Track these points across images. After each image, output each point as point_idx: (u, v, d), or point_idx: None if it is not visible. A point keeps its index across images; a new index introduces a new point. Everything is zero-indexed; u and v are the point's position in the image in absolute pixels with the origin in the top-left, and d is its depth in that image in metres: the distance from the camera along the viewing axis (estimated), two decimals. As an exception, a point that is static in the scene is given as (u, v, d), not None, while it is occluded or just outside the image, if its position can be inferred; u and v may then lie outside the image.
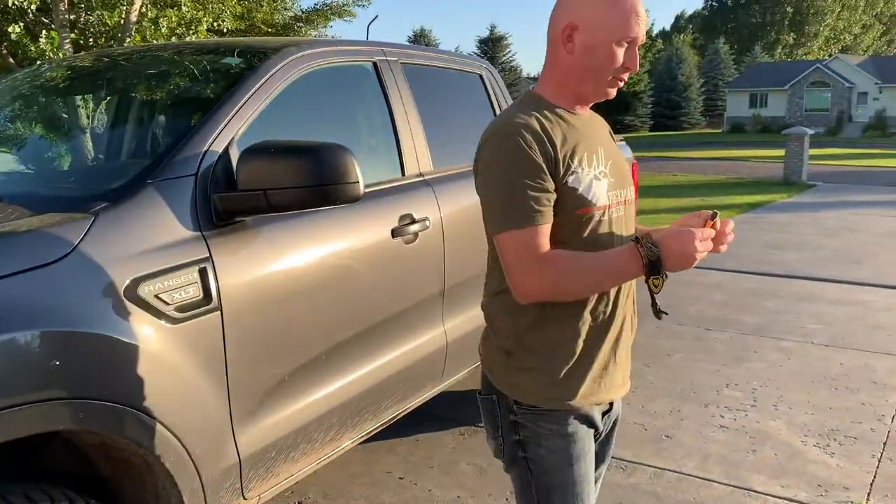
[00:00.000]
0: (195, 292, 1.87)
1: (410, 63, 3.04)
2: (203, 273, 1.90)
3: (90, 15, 12.29)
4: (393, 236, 2.59)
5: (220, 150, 2.06)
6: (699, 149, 34.17)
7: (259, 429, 2.09)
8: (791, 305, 6.36)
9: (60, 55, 11.51)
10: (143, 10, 12.68)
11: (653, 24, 60.88)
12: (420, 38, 55.83)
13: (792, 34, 73.00)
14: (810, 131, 18.01)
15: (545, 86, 1.68)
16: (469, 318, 3.02)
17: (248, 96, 2.21)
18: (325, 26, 18.41)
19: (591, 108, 1.77)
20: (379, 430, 2.69)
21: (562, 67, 1.64)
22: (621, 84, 1.67)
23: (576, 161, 1.59)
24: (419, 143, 2.89)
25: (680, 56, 58.70)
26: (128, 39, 12.31)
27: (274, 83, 2.31)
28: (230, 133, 2.11)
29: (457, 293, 2.96)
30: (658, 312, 1.66)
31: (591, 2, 1.58)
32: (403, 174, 2.81)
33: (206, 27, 13.27)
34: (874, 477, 3.37)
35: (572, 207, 1.57)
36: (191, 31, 12.92)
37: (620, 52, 1.59)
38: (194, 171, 1.97)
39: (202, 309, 1.89)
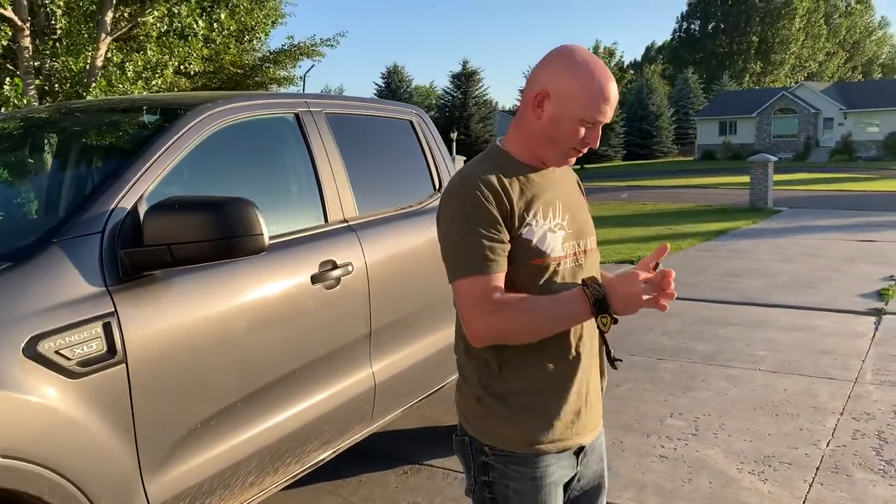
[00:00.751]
0: (98, 346, 1.93)
1: (335, 113, 3.14)
2: (107, 327, 1.96)
3: (55, 61, 12.36)
4: (313, 282, 2.66)
5: (129, 207, 2.13)
6: (670, 177, 34.68)
7: (171, 477, 2.13)
8: (743, 333, 6.48)
9: (25, 101, 11.57)
10: (109, 55, 12.79)
11: (622, 56, 61.90)
12: (393, 75, 56.45)
13: (759, 62, 74.61)
14: (773, 158, 18.40)
15: (511, 141, 1.76)
16: (399, 360, 3.09)
17: (159, 153, 2.29)
18: (294, 66, 18.65)
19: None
20: (307, 472, 2.74)
21: (528, 129, 1.72)
22: (580, 154, 1.76)
23: (531, 214, 1.68)
24: (343, 190, 2.98)
25: (650, 86, 59.73)
26: (93, 84, 12.39)
27: (188, 139, 2.40)
28: (140, 190, 2.19)
29: (385, 335, 3.03)
30: (612, 360, 1.75)
31: (568, 77, 1.65)
32: (326, 221, 2.89)
33: (171, 70, 13.39)
34: (804, 502, 3.45)
35: (527, 258, 1.66)
36: (157, 75, 13.04)
37: (583, 130, 1.68)
38: (101, 228, 2.04)
39: (106, 363, 1.94)
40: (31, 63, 12.21)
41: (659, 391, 5.02)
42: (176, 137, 2.36)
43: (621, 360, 1.78)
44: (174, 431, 2.14)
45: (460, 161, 26.02)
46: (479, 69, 57.27)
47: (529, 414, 1.72)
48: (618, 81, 49.96)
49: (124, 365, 1.99)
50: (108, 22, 12.53)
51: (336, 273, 2.76)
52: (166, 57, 13.08)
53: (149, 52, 12.93)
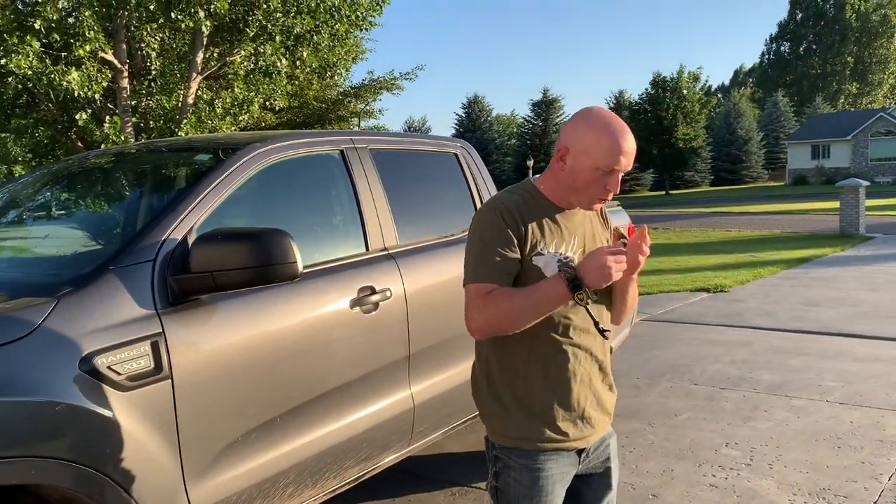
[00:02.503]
0: (146, 363, 2.15)
1: (379, 148, 3.34)
2: (155, 346, 2.18)
3: (150, 100, 13.19)
4: (351, 307, 2.84)
5: (180, 238, 2.36)
6: (759, 203, 33.64)
7: (213, 484, 2.32)
8: (814, 363, 6.30)
9: (122, 138, 12.39)
10: (199, 93, 13.54)
11: (708, 80, 60.74)
12: (473, 105, 57.09)
13: (854, 83, 71.72)
14: (865, 182, 17.67)
15: (544, 181, 1.99)
16: (439, 382, 3.22)
17: (210, 188, 2.52)
18: (375, 100, 19.24)
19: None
20: (345, 488, 2.89)
21: (556, 177, 1.95)
22: (605, 202, 1.96)
23: (542, 244, 1.92)
24: (384, 220, 3.16)
25: (738, 110, 58.28)
26: (184, 121, 13.13)
27: (237, 175, 2.63)
28: (190, 222, 2.42)
29: (424, 358, 3.17)
30: (601, 331, 1.96)
31: (583, 133, 1.87)
32: (367, 249, 3.07)
33: (257, 106, 14.05)
34: (855, 536, 3.36)
35: (536, 282, 1.85)
36: (243, 111, 13.71)
37: (601, 178, 1.89)
38: (153, 257, 2.28)
39: (152, 378, 2.16)
40: (129, 102, 13.08)
41: (717, 421, 4.96)
42: (226, 174, 2.60)
43: (608, 330, 1.94)
44: (216, 443, 2.34)
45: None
46: (560, 97, 57.35)
47: (524, 414, 1.94)
48: (703, 106, 49.08)
49: (170, 381, 2.20)
50: (199, 62, 13.31)
51: (374, 298, 2.93)
52: (252, 94, 13.72)
53: (236, 89, 13.60)
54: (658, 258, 14.16)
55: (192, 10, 11.33)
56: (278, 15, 12.74)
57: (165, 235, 2.34)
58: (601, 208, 2.20)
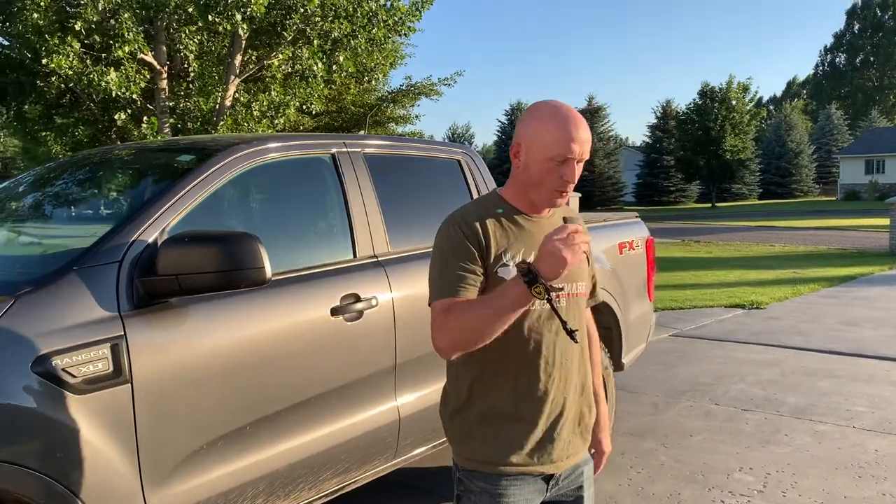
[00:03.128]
0: (104, 367, 2.11)
1: (374, 153, 3.28)
2: (115, 349, 2.14)
3: (188, 101, 13.39)
4: (332, 314, 2.77)
5: (150, 240, 2.33)
6: (807, 217, 32.85)
7: (174, 493, 2.28)
8: (844, 386, 6.05)
9: (160, 139, 12.59)
10: (237, 95, 13.70)
11: (757, 91, 59.61)
12: (517, 112, 56.87)
13: (913, 97, 69.67)
14: (917, 199, 17.09)
15: (507, 188, 1.96)
16: (428, 395, 3.13)
17: (186, 190, 2.49)
18: (413, 105, 19.25)
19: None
20: (322, 500, 2.82)
21: (515, 178, 1.93)
22: (566, 195, 1.90)
23: (508, 255, 1.85)
24: (375, 227, 3.10)
25: (789, 123, 57.11)
26: (221, 123, 13.30)
27: (217, 177, 2.59)
28: (162, 224, 2.39)
29: (412, 370, 3.09)
30: (569, 332, 1.78)
31: (534, 126, 1.85)
32: (355, 256, 3.01)
33: (293, 110, 14.16)
34: (865, 574, 3.18)
35: None
36: (280, 114, 13.83)
37: (557, 168, 1.84)
38: (119, 258, 2.24)
39: (111, 381, 2.12)
40: (167, 103, 13.30)
41: (734, 443, 4.77)
42: (204, 176, 2.56)
43: (577, 330, 1.79)
44: (179, 450, 2.29)
45: (576, 197, 25.76)
46: (606, 105, 56.85)
47: (489, 435, 1.86)
48: (752, 118, 48.18)
49: (129, 385, 2.16)
50: (237, 65, 13.48)
51: (359, 306, 2.86)
52: (289, 97, 13.83)
53: (273, 92, 13.73)
54: (696, 272, 13.87)
55: (230, 14, 11.47)
56: (316, 19, 12.83)
57: (135, 237, 2.31)
58: (578, 221, 2.12)
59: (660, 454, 4.60)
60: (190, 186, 2.51)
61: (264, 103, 13.62)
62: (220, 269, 2.19)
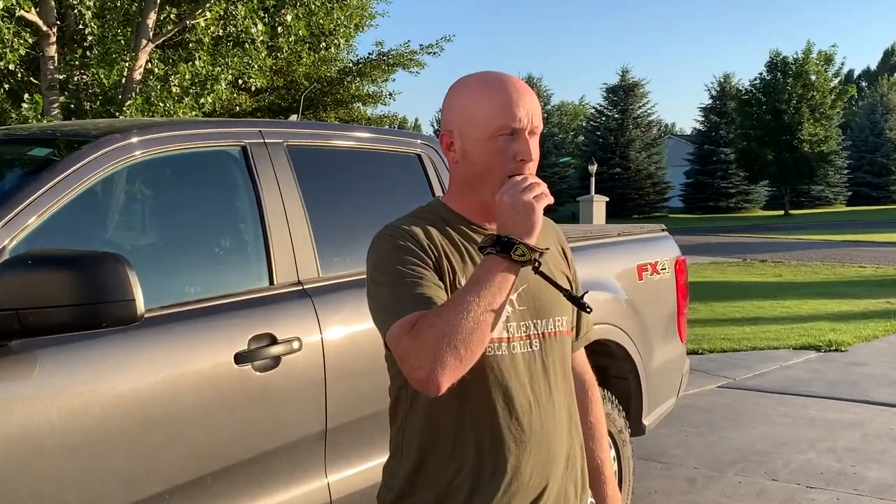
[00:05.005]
0: None
1: (302, 146, 3.28)
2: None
3: (85, 74, 13.37)
4: (237, 362, 2.75)
5: (-19, 263, 2.30)
6: (911, 230, 33.06)
7: None
8: (946, 456, 6.05)
9: (45, 122, 12.56)
10: (150, 65, 13.70)
11: (843, 63, 60.09)
12: (528, 85, 57.16)
13: None
14: None
15: (449, 195, 1.99)
16: (369, 470, 3.10)
17: (32, 197, 2.46)
18: (386, 80, 19.34)
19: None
20: None
21: (455, 179, 1.96)
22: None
23: (461, 282, 1.82)
24: (301, 244, 3.08)
25: (887, 104, 57.58)
26: (128, 102, 13.28)
27: (79, 178, 2.56)
28: (0, 242, 2.36)
29: (349, 436, 3.08)
30: (574, 299, 1.80)
31: (461, 102, 1.88)
32: (272, 282, 2.99)
33: (225, 85, 14.18)
34: None
35: None
36: (206, 91, 13.84)
37: (505, 147, 1.84)
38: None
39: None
40: (56, 76, 13.26)
41: (794, 533, 4.76)
42: (62, 176, 2.53)
43: (588, 305, 1.79)
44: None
45: (601, 201, 25.67)
46: (643, 80, 57.00)
47: None
48: (838, 98, 48.57)
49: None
50: (150, 25, 13.47)
51: (274, 351, 2.84)
52: (219, 69, 13.83)
53: (198, 62, 13.73)
54: (759, 301, 13.93)
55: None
56: (255, -35, 12.88)
57: (-43, 260, 2.28)
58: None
59: (694, 547, 4.58)
60: (40, 192, 2.48)
61: (186, 76, 13.61)
62: (76, 301, 2.16)
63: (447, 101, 1.92)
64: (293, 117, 4.55)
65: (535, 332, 1.89)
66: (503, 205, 1.72)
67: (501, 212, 1.72)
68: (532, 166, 1.85)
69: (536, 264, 1.70)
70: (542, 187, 1.75)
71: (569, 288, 1.87)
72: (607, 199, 27.81)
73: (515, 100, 1.83)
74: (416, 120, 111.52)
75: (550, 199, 1.76)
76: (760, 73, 50.57)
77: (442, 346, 1.62)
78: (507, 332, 1.84)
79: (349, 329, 3.10)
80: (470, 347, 1.64)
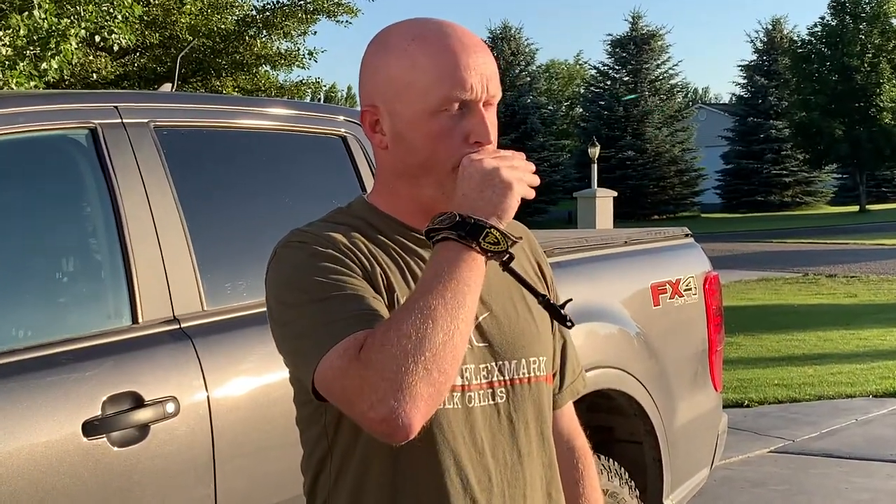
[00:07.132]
0: None
1: (178, 126, 3.28)
2: None
3: None
4: (87, 434, 2.74)
5: None
6: None
7: None
8: None
9: None
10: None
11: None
12: (502, 42, 57.58)
13: None
14: None
15: (376, 192, 2.01)
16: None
17: None
18: (303, 34, 19.31)
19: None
20: None
21: (383, 168, 1.98)
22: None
23: (400, 297, 1.81)
24: (177, 265, 3.08)
25: None
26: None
27: None
28: None
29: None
30: (562, 318, 1.83)
31: (389, 67, 1.87)
32: (136, 320, 2.99)
33: (76, 43, 14.13)
34: None
35: None
36: (49, 52, 13.80)
37: (453, 127, 1.83)
38: None
39: None
40: None
41: None
42: None
43: (571, 320, 1.82)
44: None
45: (606, 196, 25.72)
46: (662, 29, 57.31)
47: None
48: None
49: None
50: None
51: (140, 416, 2.84)
52: (67, 22, 13.81)
53: (37, 12, 13.69)
54: (825, 331, 14.06)
55: None
56: None
57: None
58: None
59: None
60: None
61: (21, 32, 13.58)
62: None
63: (367, 63, 1.91)
64: (166, 87, 4.54)
65: (501, 378, 1.89)
66: (472, 171, 1.72)
67: (466, 181, 1.72)
68: (490, 150, 1.83)
69: (508, 257, 1.71)
70: (529, 167, 1.75)
71: (545, 293, 1.87)
72: (615, 195, 27.85)
73: (464, 60, 1.82)
74: (350, 89, 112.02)
75: (531, 192, 1.75)
76: (822, 18, 51.17)
77: (407, 369, 1.59)
78: (463, 378, 1.82)
79: (248, 383, 3.12)
80: (442, 368, 1.62)
